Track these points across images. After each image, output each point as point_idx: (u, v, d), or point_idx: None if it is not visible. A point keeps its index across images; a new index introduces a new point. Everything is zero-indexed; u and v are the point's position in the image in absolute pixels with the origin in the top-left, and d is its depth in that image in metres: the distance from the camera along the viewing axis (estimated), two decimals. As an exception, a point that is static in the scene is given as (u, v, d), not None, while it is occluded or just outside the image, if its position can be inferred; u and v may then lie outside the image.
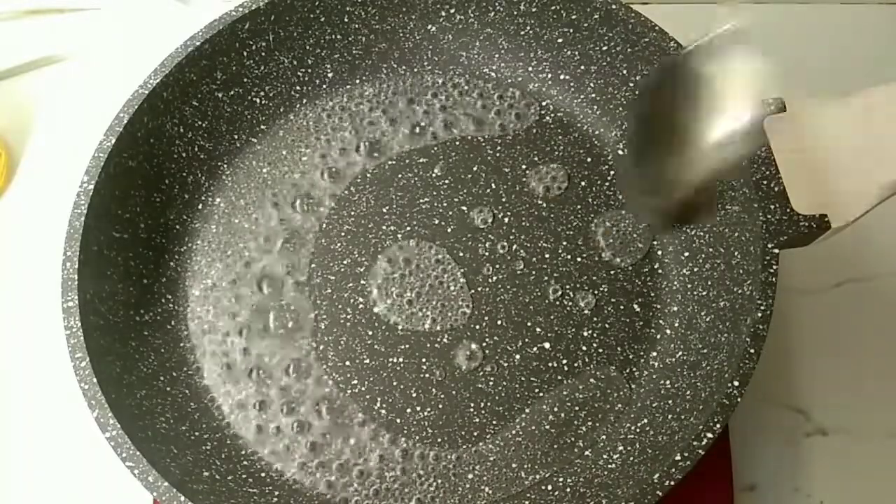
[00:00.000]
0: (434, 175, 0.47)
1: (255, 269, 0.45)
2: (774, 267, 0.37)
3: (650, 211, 0.40)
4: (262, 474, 0.40)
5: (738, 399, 0.35)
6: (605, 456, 0.40)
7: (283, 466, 0.41)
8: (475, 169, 0.47)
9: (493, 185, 0.46)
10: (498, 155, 0.47)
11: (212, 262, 0.45)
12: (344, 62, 0.49)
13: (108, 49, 0.57)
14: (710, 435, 0.34)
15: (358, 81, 0.49)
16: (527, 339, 0.43)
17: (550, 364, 0.42)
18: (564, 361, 0.42)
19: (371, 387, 0.42)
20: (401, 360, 0.43)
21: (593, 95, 0.48)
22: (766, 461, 0.44)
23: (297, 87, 0.49)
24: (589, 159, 0.47)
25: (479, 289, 0.44)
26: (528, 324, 0.43)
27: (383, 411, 0.42)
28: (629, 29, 0.44)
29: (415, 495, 0.40)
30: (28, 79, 0.57)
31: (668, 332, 0.43)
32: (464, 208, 0.46)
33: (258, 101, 0.48)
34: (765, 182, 0.38)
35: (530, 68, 0.49)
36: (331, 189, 0.47)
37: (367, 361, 0.43)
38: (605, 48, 0.45)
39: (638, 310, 0.43)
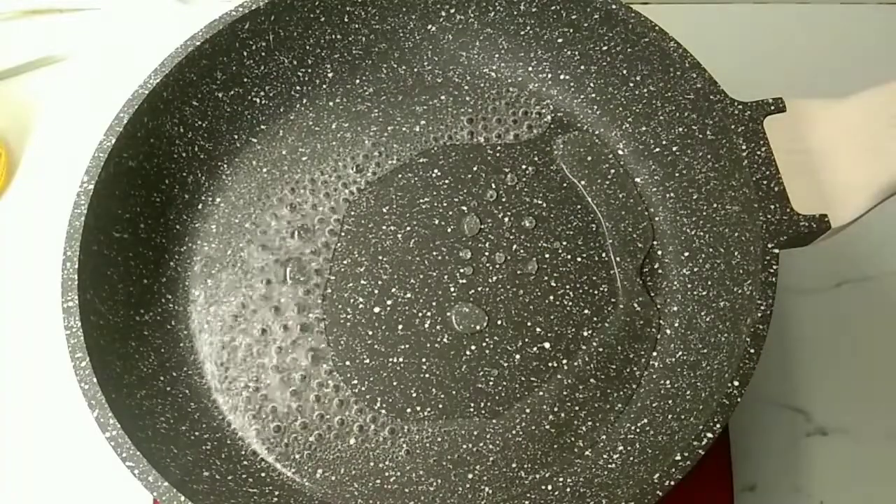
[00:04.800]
0: (434, 175, 0.47)
1: (254, 269, 0.45)
2: (774, 267, 0.37)
3: None
4: (262, 474, 0.40)
5: (738, 399, 0.35)
6: (605, 456, 0.40)
7: (283, 466, 0.41)
8: (475, 169, 0.47)
9: (493, 185, 0.46)
10: (498, 155, 0.47)
11: (212, 261, 0.45)
12: (344, 62, 0.49)
13: (108, 49, 0.57)
14: (710, 435, 0.34)
15: (358, 81, 0.49)
16: (527, 339, 0.43)
17: (550, 364, 0.42)
18: (564, 361, 0.42)
19: (371, 387, 0.42)
20: (401, 359, 0.43)
21: (593, 95, 0.48)
22: (766, 461, 0.44)
23: (297, 87, 0.49)
24: (589, 158, 0.47)
25: (479, 289, 0.44)
26: (528, 324, 0.43)
27: (383, 411, 0.42)
28: (629, 29, 0.44)
29: (415, 495, 0.40)
30: (28, 79, 0.57)
31: (668, 332, 0.43)
32: (464, 208, 0.46)
33: (258, 101, 0.48)
34: (765, 182, 0.38)
35: (530, 68, 0.49)
36: (330, 189, 0.47)
37: (367, 361, 0.43)
38: (605, 48, 0.45)
39: (638, 309, 0.43)
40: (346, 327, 0.43)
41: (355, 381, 0.42)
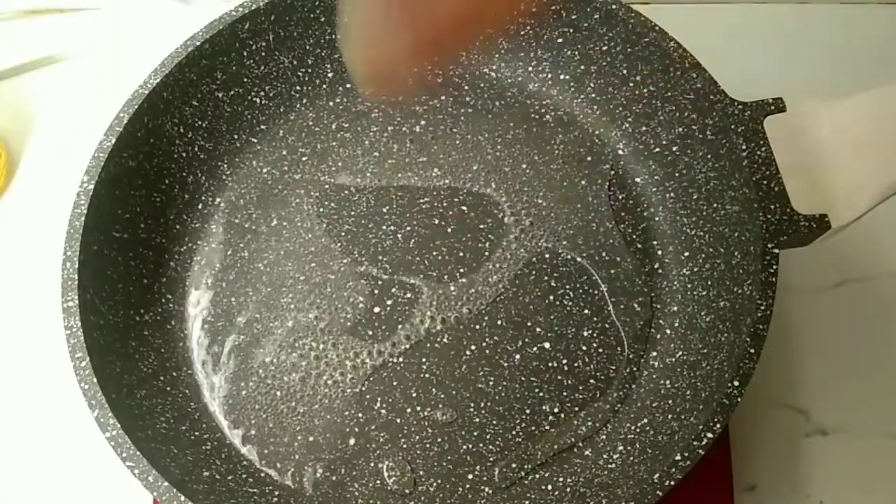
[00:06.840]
0: (434, 175, 0.47)
1: (254, 269, 0.45)
2: (774, 267, 0.37)
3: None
4: (262, 474, 0.40)
5: (738, 399, 0.35)
6: (605, 456, 0.40)
7: (283, 466, 0.41)
8: (475, 168, 0.47)
9: (493, 185, 0.46)
10: (498, 154, 0.47)
11: (212, 262, 0.45)
12: (344, 62, 0.49)
13: (108, 49, 0.57)
14: (710, 435, 0.34)
15: (358, 81, 0.49)
16: (527, 339, 0.43)
17: (550, 364, 0.42)
18: (564, 361, 0.42)
19: (371, 387, 0.42)
20: (400, 360, 0.43)
21: (593, 95, 0.48)
22: (766, 461, 0.44)
23: (297, 87, 0.49)
24: (589, 158, 0.47)
25: (479, 288, 0.44)
26: (528, 324, 0.43)
27: (383, 411, 0.42)
28: (629, 29, 0.44)
29: (415, 495, 0.40)
30: (28, 79, 0.57)
31: (668, 332, 0.43)
32: (464, 208, 0.46)
33: (258, 101, 0.48)
34: (765, 182, 0.38)
35: (530, 68, 0.49)
36: (330, 189, 0.47)
37: (367, 361, 0.43)
38: (605, 48, 0.45)
39: (638, 310, 0.43)
40: (346, 327, 0.43)
41: (355, 381, 0.42)
